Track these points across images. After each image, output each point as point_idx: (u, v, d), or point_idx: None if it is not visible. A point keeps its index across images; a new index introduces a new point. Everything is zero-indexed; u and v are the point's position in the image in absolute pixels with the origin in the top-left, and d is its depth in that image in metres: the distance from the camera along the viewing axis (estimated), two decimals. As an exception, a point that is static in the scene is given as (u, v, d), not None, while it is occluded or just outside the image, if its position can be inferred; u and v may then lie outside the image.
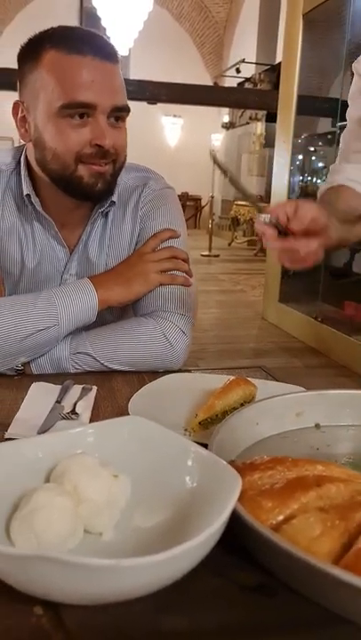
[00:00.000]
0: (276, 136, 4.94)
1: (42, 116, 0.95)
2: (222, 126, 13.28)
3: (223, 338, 4.26)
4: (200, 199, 13.39)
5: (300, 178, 5.23)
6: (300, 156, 5.15)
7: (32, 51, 0.94)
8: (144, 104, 9.09)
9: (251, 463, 0.53)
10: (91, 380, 0.96)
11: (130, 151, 1.04)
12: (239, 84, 11.70)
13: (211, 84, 12.89)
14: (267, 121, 10.87)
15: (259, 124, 11.28)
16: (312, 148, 5.62)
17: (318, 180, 5.64)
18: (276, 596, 0.43)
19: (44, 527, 0.43)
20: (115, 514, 0.48)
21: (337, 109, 4.37)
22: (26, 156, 1.07)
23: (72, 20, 12.66)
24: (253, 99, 9.37)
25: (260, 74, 10.88)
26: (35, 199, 1.05)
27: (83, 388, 0.92)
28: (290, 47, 4.54)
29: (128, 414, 0.79)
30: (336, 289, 4.61)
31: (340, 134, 4.43)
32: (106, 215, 1.11)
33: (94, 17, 7.59)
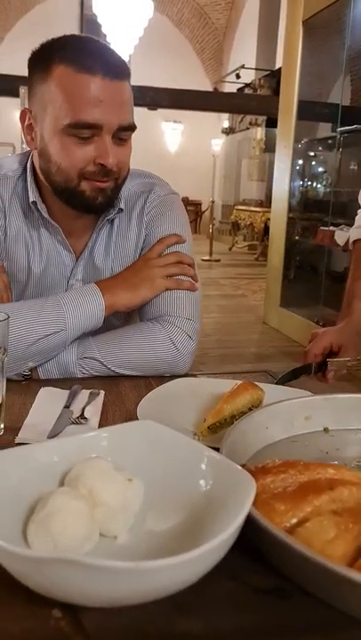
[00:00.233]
0: (277, 141, 4.96)
1: (48, 129, 0.95)
2: (222, 131, 13.32)
3: (225, 342, 4.27)
4: (200, 204, 13.42)
5: (301, 182, 5.24)
6: (301, 161, 5.16)
7: (42, 61, 0.94)
8: (144, 110, 9.13)
9: (263, 467, 0.53)
10: (98, 385, 0.97)
11: (131, 157, 1.05)
12: (239, 89, 11.75)
13: (211, 89, 12.95)
14: (267, 126, 10.91)
15: (259, 129, 11.32)
16: (312, 153, 5.64)
17: (318, 185, 5.66)
18: (291, 598, 0.43)
19: (60, 530, 0.43)
20: (129, 517, 0.49)
21: (337, 114, 4.39)
22: (32, 163, 1.08)
23: (73, 27, 12.72)
24: (253, 104, 9.42)
25: (259, 79, 10.93)
26: (41, 206, 1.06)
27: (90, 393, 0.92)
28: (290, 53, 4.57)
29: (137, 418, 0.80)
30: (337, 293, 4.59)
31: (340, 139, 4.44)
32: (112, 222, 1.12)
33: (95, 24, 7.62)
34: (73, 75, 0.91)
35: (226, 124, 13.22)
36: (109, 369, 1.02)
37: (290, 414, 0.71)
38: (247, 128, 11.94)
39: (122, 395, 0.96)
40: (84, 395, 0.92)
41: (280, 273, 4.88)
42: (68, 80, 0.91)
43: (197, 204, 13.43)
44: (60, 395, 0.92)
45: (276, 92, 9.74)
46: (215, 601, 0.42)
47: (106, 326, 1.04)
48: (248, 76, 11.37)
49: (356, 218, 1.15)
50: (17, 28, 12.36)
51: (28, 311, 0.97)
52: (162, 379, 1.00)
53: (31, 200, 1.05)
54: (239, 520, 0.41)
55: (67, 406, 0.87)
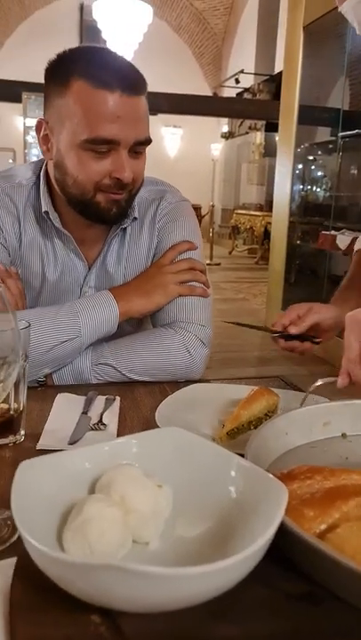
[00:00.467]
0: (278, 145, 4.98)
1: (65, 142, 0.96)
2: (222, 136, 13.36)
3: (227, 346, 4.27)
4: (200, 208, 13.44)
5: (302, 187, 5.26)
6: (301, 165, 5.19)
7: (60, 74, 0.95)
8: (144, 114, 9.14)
9: (289, 473, 0.54)
10: (112, 391, 0.98)
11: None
12: (238, 94, 11.80)
13: (210, 94, 13.00)
14: (266, 130, 10.96)
15: (258, 133, 11.36)
16: (313, 158, 5.66)
17: (319, 189, 5.68)
18: (323, 604, 0.44)
19: (96, 537, 0.44)
20: (160, 524, 0.49)
21: (338, 119, 4.41)
22: (46, 171, 1.09)
23: (72, 33, 12.79)
24: (253, 109, 9.46)
25: (259, 84, 10.98)
26: (53, 215, 1.07)
27: (106, 399, 0.93)
28: (291, 58, 4.59)
29: (154, 424, 0.81)
30: (339, 297, 4.61)
31: (341, 144, 4.46)
32: (124, 229, 1.13)
33: (95, 29, 7.66)
34: (91, 91, 0.92)
35: (225, 129, 13.26)
36: (124, 375, 1.03)
37: (309, 420, 0.72)
38: (246, 132, 11.99)
39: (137, 400, 0.96)
40: (100, 401, 0.93)
41: (282, 277, 4.89)
42: (87, 96, 0.92)
43: (197, 208, 13.43)
44: (77, 401, 0.92)
45: (276, 96, 9.81)
46: (249, 607, 0.43)
47: (118, 332, 1.05)
48: (247, 81, 11.43)
49: None
50: (17, 33, 12.40)
51: (45, 318, 0.98)
52: (176, 384, 1.01)
53: (43, 210, 1.06)
54: (274, 527, 0.41)
55: (84, 412, 0.88)
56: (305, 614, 0.43)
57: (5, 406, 0.76)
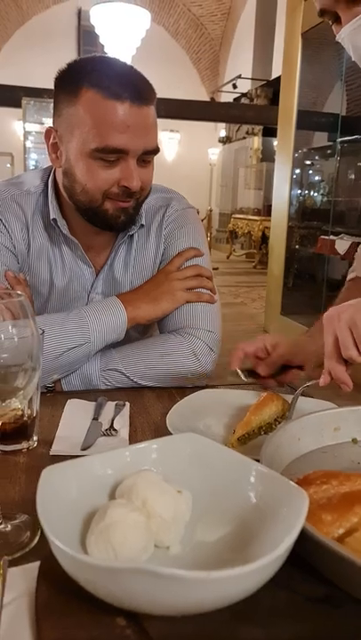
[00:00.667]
0: (277, 150, 5.01)
1: (74, 151, 0.97)
2: (219, 141, 13.41)
3: (226, 351, 4.26)
4: (198, 212, 13.47)
5: (300, 191, 5.29)
6: (299, 170, 5.22)
7: (70, 83, 0.96)
8: (142, 119, 9.16)
9: (305, 478, 0.55)
10: (121, 397, 0.98)
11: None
12: (235, 99, 11.85)
13: (207, 99, 13.04)
14: (264, 135, 11.00)
15: (256, 138, 11.40)
16: (311, 163, 5.70)
17: (317, 194, 5.71)
18: (342, 607, 0.45)
19: (120, 541, 0.45)
20: (180, 528, 0.50)
21: (337, 124, 4.44)
22: (54, 179, 1.10)
23: (70, 39, 12.83)
24: (251, 114, 9.50)
25: (256, 89, 11.03)
26: (61, 222, 1.08)
27: (116, 405, 0.94)
28: (289, 64, 4.63)
29: (164, 429, 0.82)
30: (337, 301, 4.63)
31: (340, 149, 4.48)
32: (131, 236, 1.14)
33: (92, 35, 7.69)
34: (102, 101, 0.93)
35: (223, 134, 13.31)
36: (132, 380, 1.04)
37: (320, 426, 0.73)
38: (244, 137, 12.03)
39: (146, 406, 0.97)
40: (109, 406, 0.94)
41: (280, 281, 4.91)
42: (97, 106, 0.93)
43: (195, 213, 13.45)
44: (87, 407, 0.93)
45: (273, 101, 9.87)
46: (271, 610, 0.44)
47: (125, 338, 1.06)
48: (244, 86, 11.47)
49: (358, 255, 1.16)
50: (15, 38, 12.43)
51: (54, 325, 0.98)
52: (184, 390, 1.02)
53: (52, 217, 1.07)
54: (296, 532, 0.42)
55: (95, 418, 0.88)
56: (325, 617, 0.44)
57: (19, 412, 0.76)
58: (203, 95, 13.36)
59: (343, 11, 0.85)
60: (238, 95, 11.69)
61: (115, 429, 0.84)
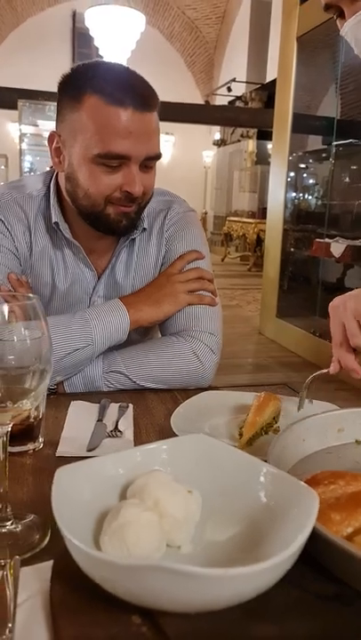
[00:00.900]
0: (272, 153, 5.03)
1: (77, 156, 0.98)
2: (214, 143, 13.45)
3: (222, 353, 4.30)
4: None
5: (295, 194, 5.32)
6: (295, 173, 5.25)
7: (74, 88, 0.97)
8: (137, 122, 9.17)
9: (313, 478, 0.56)
10: (124, 399, 0.99)
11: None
12: (230, 102, 11.90)
13: (202, 102, 13.10)
14: (258, 138, 11.05)
15: (250, 141, 11.45)
16: (306, 166, 5.73)
17: (312, 197, 5.74)
18: (354, 604, 0.46)
19: (134, 541, 0.46)
20: (191, 528, 0.51)
21: (332, 127, 4.47)
22: (56, 183, 1.10)
23: (65, 41, 12.85)
24: (245, 117, 9.55)
25: (250, 92, 11.08)
26: (63, 226, 1.09)
27: (120, 407, 0.95)
28: (284, 68, 4.66)
29: (168, 431, 0.82)
30: (332, 304, 4.65)
31: (335, 153, 4.51)
32: (133, 240, 1.14)
33: (87, 37, 7.70)
34: (105, 107, 0.93)
35: (217, 136, 13.36)
36: (135, 382, 1.04)
37: (324, 427, 0.74)
38: (238, 140, 12.08)
39: (150, 408, 0.98)
40: (113, 408, 0.94)
41: (276, 284, 4.93)
42: (100, 112, 0.94)
43: (189, 215, 13.47)
44: (91, 408, 0.94)
45: (267, 104, 9.91)
46: (283, 608, 0.45)
47: (126, 341, 1.07)
48: (239, 89, 11.52)
49: None
50: (9, 40, 12.44)
51: (57, 327, 0.99)
52: (186, 392, 1.03)
53: (54, 221, 1.08)
54: (307, 531, 0.43)
55: (99, 420, 0.89)
56: (336, 615, 0.45)
57: (26, 414, 0.77)
58: (197, 98, 13.41)
59: (347, 5, 0.87)
60: (233, 98, 11.74)
61: (120, 431, 0.85)
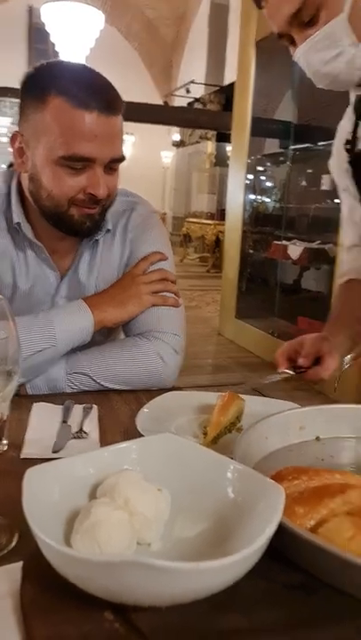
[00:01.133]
0: (231, 156, 5.10)
1: (41, 157, 0.97)
2: (173, 144, 13.49)
3: (187, 354, 4.32)
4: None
5: (254, 197, 5.40)
6: (253, 176, 5.33)
7: (37, 89, 0.96)
8: (96, 121, 9.12)
9: (278, 474, 0.58)
10: (88, 400, 0.99)
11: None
12: (189, 103, 11.96)
13: (161, 102, 13.11)
14: (217, 140, 11.15)
15: (209, 143, 11.55)
16: (265, 169, 5.82)
17: (270, 200, 5.84)
18: (317, 592, 0.48)
19: (106, 539, 0.46)
20: (160, 526, 0.52)
21: (289, 132, 4.57)
22: (18, 182, 1.09)
23: (20, 35, 12.62)
24: (204, 119, 9.62)
25: (209, 94, 11.17)
26: (25, 226, 1.08)
27: (84, 408, 0.95)
28: (243, 72, 4.73)
29: (133, 431, 0.83)
30: (290, 305, 4.77)
31: (292, 156, 4.60)
32: (96, 240, 1.14)
33: (44, 33, 7.58)
34: (69, 109, 0.93)
35: (176, 137, 13.41)
36: (99, 383, 1.04)
37: (286, 425, 0.76)
38: (197, 142, 12.16)
39: (114, 409, 0.98)
40: (77, 410, 0.94)
41: (235, 285, 5.00)
42: (65, 114, 0.93)
43: (148, 216, 13.46)
44: (54, 410, 0.93)
45: (225, 107, 10.01)
46: (251, 599, 0.47)
47: (88, 342, 1.07)
48: (197, 91, 11.60)
49: (344, 261, 1.20)
50: None
51: (20, 328, 0.98)
52: (150, 392, 1.04)
53: (15, 221, 1.07)
54: (274, 525, 0.45)
55: (64, 421, 0.89)
56: (302, 603, 0.47)
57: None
58: (156, 98, 13.41)
59: (297, 33, 0.93)
60: (192, 100, 11.80)
61: (85, 432, 0.85)
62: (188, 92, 11.68)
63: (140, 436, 0.77)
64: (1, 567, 0.51)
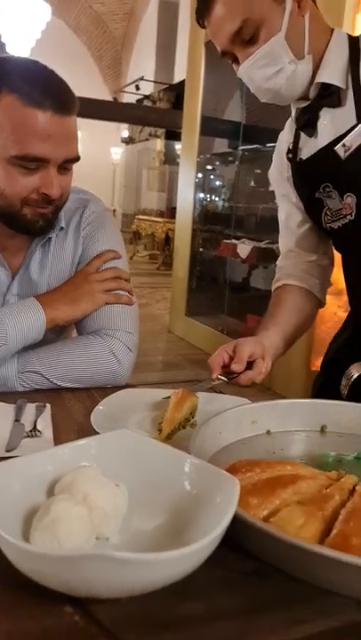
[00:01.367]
0: (181, 154, 5.13)
1: None
2: (122, 141, 13.41)
3: (140, 351, 4.32)
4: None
5: (203, 196, 5.46)
6: (203, 175, 5.38)
7: None
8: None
9: (232, 466, 0.60)
10: (40, 398, 0.98)
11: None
12: (138, 100, 11.92)
13: (110, 98, 13.00)
14: (166, 138, 11.17)
15: (158, 140, 11.55)
16: (214, 168, 5.89)
17: (220, 199, 5.92)
18: (270, 577, 0.50)
19: (65, 535, 0.47)
20: (118, 520, 0.53)
21: (239, 132, 4.64)
22: None
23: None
24: (154, 116, 9.62)
25: (158, 92, 11.17)
26: None
27: (37, 407, 0.94)
28: (193, 72, 4.76)
29: (88, 429, 0.84)
30: (239, 303, 4.85)
31: (241, 156, 4.67)
32: (49, 238, 1.13)
33: (-12, 22, 7.36)
34: (22, 108, 0.91)
35: (125, 134, 13.33)
36: (51, 382, 1.04)
37: (238, 420, 0.79)
38: (147, 139, 12.14)
39: (67, 407, 0.98)
40: (30, 408, 0.94)
41: (185, 283, 5.03)
42: (17, 113, 0.92)
43: (98, 213, 13.34)
44: (6, 409, 0.92)
45: (175, 105, 10.04)
46: (208, 586, 0.48)
47: (41, 340, 1.06)
48: (147, 88, 11.58)
49: (280, 266, 1.23)
50: None
51: None
52: (103, 390, 1.04)
53: None
54: (230, 516, 0.47)
55: (17, 420, 0.88)
56: (258, 587, 0.49)
57: None
58: (105, 94, 13.28)
59: (239, 51, 0.98)
60: (141, 97, 11.77)
61: (38, 430, 0.85)
62: (137, 88, 11.64)
63: (96, 433, 0.78)
64: None
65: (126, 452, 0.58)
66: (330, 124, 1.03)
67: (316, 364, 1.33)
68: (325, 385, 1.23)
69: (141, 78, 11.56)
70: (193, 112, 4.78)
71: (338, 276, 1.21)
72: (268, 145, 4.60)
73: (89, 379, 1.06)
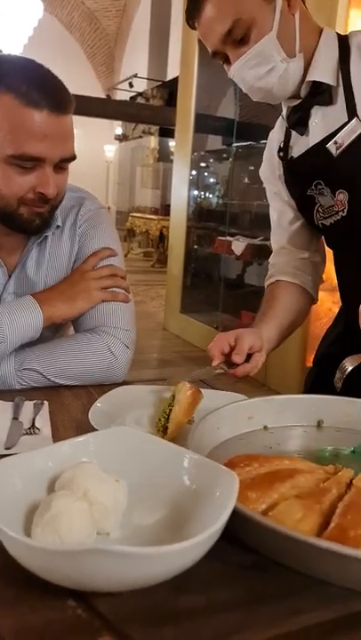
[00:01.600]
0: (175, 152, 5.13)
1: None
2: (115, 138, 13.38)
3: (137, 348, 4.32)
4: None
5: (198, 193, 5.46)
6: (197, 172, 5.38)
7: None
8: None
9: (230, 461, 0.61)
10: (38, 396, 0.99)
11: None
12: (132, 97, 11.90)
13: (103, 95, 12.98)
14: (160, 135, 11.16)
15: (152, 137, 11.53)
16: (209, 165, 5.89)
17: (214, 196, 5.92)
18: (269, 571, 0.51)
19: (67, 530, 0.47)
20: (119, 515, 0.54)
21: (232, 129, 4.64)
22: None
23: None
24: (147, 113, 9.60)
25: (152, 89, 11.15)
26: None
27: (34, 404, 0.94)
28: (186, 69, 4.76)
29: (86, 426, 0.84)
30: (233, 299, 4.85)
31: (235, 153, 4.67)
32: (45, 236, 1.14)
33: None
34: (19, 107, 0.92)
35: (119, 131, 13.30)
36: (49, 379, 1.04)
37: (235, 416, 0.79)
38: (140, 136, 12.12)
39: (65, 404, 0.99)
40: (28, 406, 0.94)
41: (180, 280, 5.04)
42: (14, 112, 0.92)
43: (92, 210, 13.32)
44: (4, 407, 0.93)
45: (168, 102, 10.02)
46: (208, 579, 0.49)
47: (37, 338, 1.06)
48: (140, 86, 11.55)
49: (272, 263, 1.24)
50: None
51: None
52: (101, 387, 1.05)
53: None
54: (229, 510, 0.47)
55: (15, 418, 0.89)
56: (257, 580, 0.50)
57: None
58: (98, 91, 13.25)
59: (231, 52, 0.98)
60: (135, 94, 11.75)
61: (37, 428, 0.85)
62: (131, 85, 11.61)
63: (94, 430, 0.78)
64: None
65: (125, 449, 0.59)
66: (321, 121, 1.04)
67: (311, 359, 1.33)
68: (319, 379, 1.24)
69: (135, 75, 11.53)
70: (186, 109, 4.78)
71: (332, 272, 1.23)
72: (262, 142, 4.58)
73: (86, 376, 1.06)
